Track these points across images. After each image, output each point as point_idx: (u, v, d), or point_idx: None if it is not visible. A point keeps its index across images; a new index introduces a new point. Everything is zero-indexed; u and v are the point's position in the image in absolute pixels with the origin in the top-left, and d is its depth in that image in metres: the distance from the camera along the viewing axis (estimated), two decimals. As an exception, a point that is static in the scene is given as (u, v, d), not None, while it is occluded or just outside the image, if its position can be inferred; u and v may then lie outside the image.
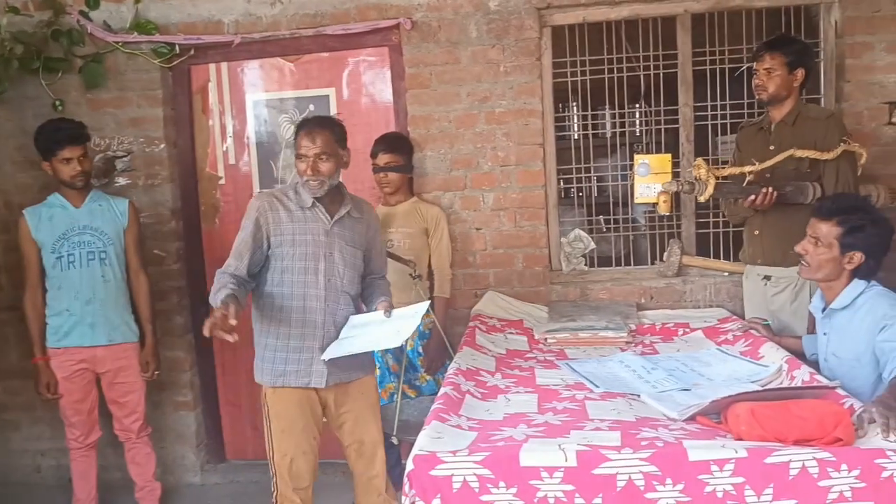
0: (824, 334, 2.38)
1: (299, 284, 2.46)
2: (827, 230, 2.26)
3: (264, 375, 2.52)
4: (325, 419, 2.60)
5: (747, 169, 2.77)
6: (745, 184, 2.74)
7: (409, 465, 1.70)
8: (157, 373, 3.27)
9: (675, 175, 3.33)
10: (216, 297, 2.30)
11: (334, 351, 2.40)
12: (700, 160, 2.82)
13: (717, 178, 2.76)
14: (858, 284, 2.27)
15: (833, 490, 1.60)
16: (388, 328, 2.38)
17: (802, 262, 2.35)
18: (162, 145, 3.57)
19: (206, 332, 2.17)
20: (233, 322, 2.16)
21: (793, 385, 2.15)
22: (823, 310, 2.38)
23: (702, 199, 2.81)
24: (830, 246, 2.26)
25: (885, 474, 1.58)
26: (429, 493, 1.67)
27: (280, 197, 2.51)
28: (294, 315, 2.46)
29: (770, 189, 2.65)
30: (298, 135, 2.46)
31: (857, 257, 2.24)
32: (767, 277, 2.90)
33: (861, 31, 3.20)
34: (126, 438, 3.24)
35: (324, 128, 2.45)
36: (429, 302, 2.44)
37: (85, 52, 3.50)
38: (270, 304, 2.48)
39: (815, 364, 2.42)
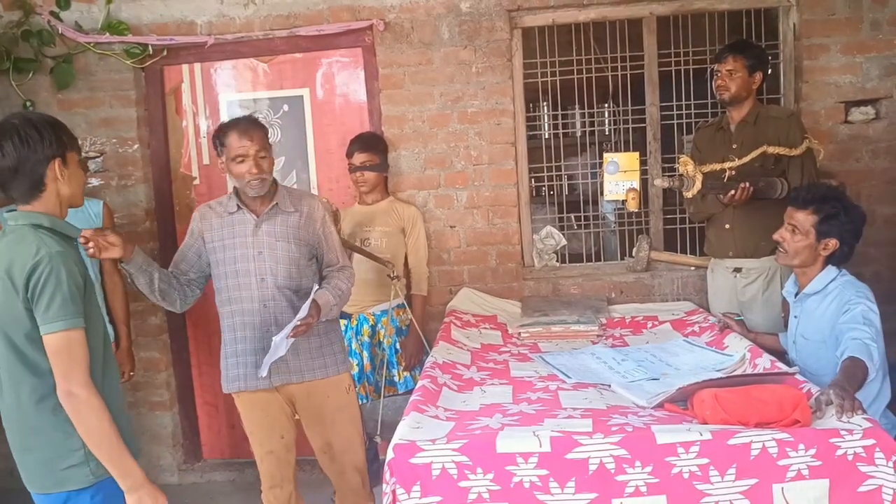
0: (795, 317, 2.49)
1: (234, 288, 2.47)
2: (804, 218, 2.36)
3: (223, 382, 2.54)
4: (297, 416, 2.60)
5: (727, 165, 2.89)
6: (725, 180, 2.85)
7: (390, 454, 1.75)
8: (131, 374, 3.27)
9: (643, 172, 3.44)
10: None
11: (268, 360, 2.37)
12: (686, 157, 2.92)
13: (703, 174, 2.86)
14: (831, 271, 2.38)
15: (791, 468, 1.69)
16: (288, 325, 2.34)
17: (780, 248, 2.44)
18: (135, 146, 3.57)
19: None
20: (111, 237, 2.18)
21: (755, 372, 2.24)
22: (796, 294, 2.49)
23: (689, 194, 2.91)
24: (807, 233, 2.36)
25: (839, 452, 1.68)
26: (409, 480, 1.73)
27: (213, 206, 2.55)
28: (236, 319, 2.47)
29: (748, 184, 2.77)
30: (229, 135, 2.42)
31: (832, 244, 2.34)
32: (738, 269, 3.00)
33: (818, 34, 3.33)
34: (102, 439, 3.23)
35: (257, 127, 2.47)
36: (316, 287, 2.38)
37: (55, 52, 3.48)
38: (220, 314, 2.52)
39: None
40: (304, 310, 2.30)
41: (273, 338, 2.32)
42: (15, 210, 1.85)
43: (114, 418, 1.78)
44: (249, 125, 2.45)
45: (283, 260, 2.46)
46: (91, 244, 2.13)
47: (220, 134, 2.46)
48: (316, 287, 2.40)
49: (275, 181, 2.55)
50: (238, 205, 2.48)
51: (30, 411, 1.79)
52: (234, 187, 2.53)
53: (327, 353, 2.55)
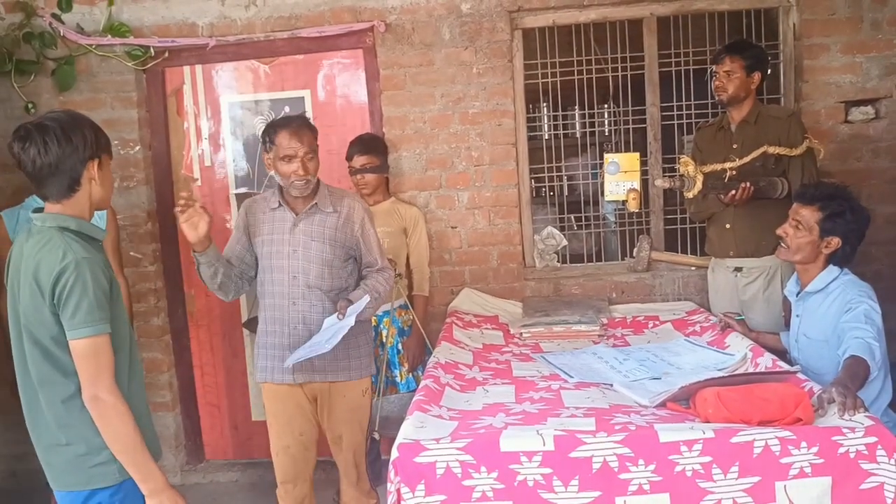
0: (797, 316, 2.49)
1: (270, 283, 2.54)
2: (808, 214, 2.37)
3: (255, 371, 2.63)
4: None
5: (727, 165, 2.90)
6: (726, 179, 2.86)
7: (394, 454, 1.75)
8: (135, 374, 3.28)
9: (644, 172, 3.45)
10: None
11: (296, 356, 2.41)
12: (687, 158, 2.92)
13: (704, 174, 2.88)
14: (833, 270, 2.38)
15: (794, 466, 1.69)
16: (339, 328, 2.37)
17: (782, 244, 2.45)
18: (137, 147, 3.58)
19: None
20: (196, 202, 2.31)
21: (757, 371, 2.25)
22: (798, 293, 2.49)
23: (690, 194, 2.92)
24: (811, 230, 2.36)
25: (842, 450, 1.68)
26: (413, 479, 1.73)
27: (258, 201, 2.62)
28: (269, 313, 2.55)
29: (748, 184, 2.78)
30: (279, 134, 2.46)
31: (835, 242, 2.35)
32: (739, 269, 3.01)
33: (818, 34, 3.34)
34: (105, 440, 3.24)
35: (308, 128, 2.51)
36: (367, 298, 2.42)
37: (57, 54, 3.49)
38: (259, 305, 2.59)
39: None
40: (344, 317, 2.34)
41: (314, 338, 2.37)
42: (41, 210, 1.85)
43: (139, 420, 1.79)
44: (301, 126, 2.49)
45: (315, 260, 2.50)
46: (181, 208, 2.26)
47: (270, 131, 2.51)
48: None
49: (318, 180, 2.58)
50: (280, 202, 2.53)
51: (61, 409, 1.79)
52: (279, 184, 2.56)
53: (353, 356, 2.58)
